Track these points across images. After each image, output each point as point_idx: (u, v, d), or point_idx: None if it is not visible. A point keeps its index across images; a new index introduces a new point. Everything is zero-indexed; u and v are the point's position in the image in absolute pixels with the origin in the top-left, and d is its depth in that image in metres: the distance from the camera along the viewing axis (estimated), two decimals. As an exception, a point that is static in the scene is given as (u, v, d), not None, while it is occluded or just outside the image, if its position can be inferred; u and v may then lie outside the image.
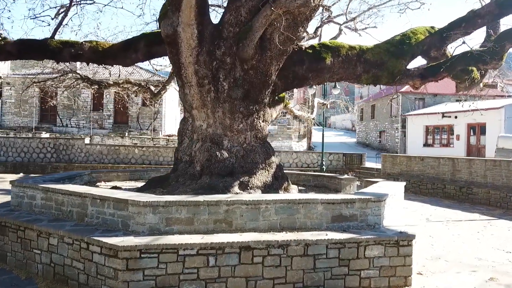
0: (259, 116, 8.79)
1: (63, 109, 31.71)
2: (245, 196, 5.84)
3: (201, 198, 5.65)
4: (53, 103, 29.70)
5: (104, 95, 30.70)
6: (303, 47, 9.75)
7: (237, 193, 7.93)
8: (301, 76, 9.68)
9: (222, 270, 5.18)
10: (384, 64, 10.22)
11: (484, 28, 10.86)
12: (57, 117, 31.93)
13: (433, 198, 15.77)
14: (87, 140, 22.61)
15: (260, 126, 8.81)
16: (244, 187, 8.15)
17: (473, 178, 15.38)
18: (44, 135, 27.25)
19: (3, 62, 20.48)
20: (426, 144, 30.16)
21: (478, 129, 26.38)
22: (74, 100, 31.21)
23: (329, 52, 9.71)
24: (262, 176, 8.49)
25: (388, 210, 6.91)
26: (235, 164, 8.54)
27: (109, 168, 20.21)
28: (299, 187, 11.94)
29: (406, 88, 33.49)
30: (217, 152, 8.40)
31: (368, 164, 22.88)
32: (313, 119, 19.58)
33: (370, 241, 5.63)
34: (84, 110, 31.51)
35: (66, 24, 12.66)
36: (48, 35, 9.97)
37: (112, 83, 13.80)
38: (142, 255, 4.94)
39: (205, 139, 8.65)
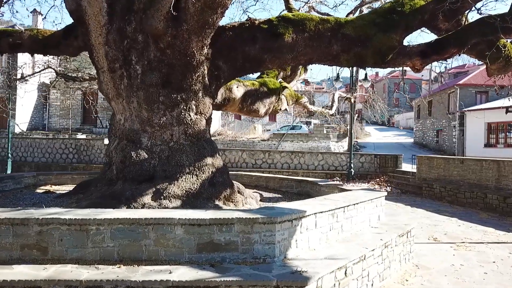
0: (189, 108, 7.09)
1: (102, 111, 32.16)
2: (67, 214, 4.20)
3: (2, 214, 4.12)
4: (93, 106, 30.28)
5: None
6: (256, 22, 7.87)
7: (144, 204, 6.36)
8: (253, 57, 7.81)
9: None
10: (369, 40, 8.00)
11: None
12: (97, 118, 32.50)
13: (469, 210, 12.79)
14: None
15: (191, 119, 7.12)
16: (157, 196, 6.53)
17: (523, 185, 12.20)
18: (80, 136, 27.65)
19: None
20: (487, 144, 25.98)
21: (551, 126, 22.02)
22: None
23: (289, 27, 7.73)
24: (187, 183, 6.79)
25: (310, 234, 4.87)
26: (157, 167, 6.95)
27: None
28: (277, 195, 10.00)
29: (466, 80, 29.52)
30: (133, 152, 6.86)
31: (405, 166, 19.90)
32: (332, 115, 17.24)
33: (233, 285, 3.71)
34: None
35: (44, 18, 11.93)
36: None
37: (88, 78, 12.93)
38: None
39: (122, 136, 7.16)
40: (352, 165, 19.06)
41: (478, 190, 13.42)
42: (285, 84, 15.09)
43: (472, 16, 8.01)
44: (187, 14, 6.25)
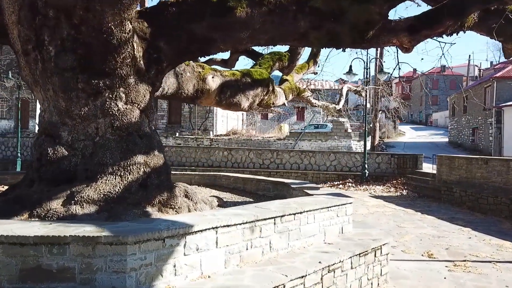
0: (117, 96, 6.02)
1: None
2: None
3: None
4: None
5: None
6: (204, -5, 6.67)
7: (49, 211, 5.34)
8: (201, 37, 6.62)
9: None
10: (343, 14, 6.62)
11: None
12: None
13: (491, 218, 10.94)
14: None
15: (119, 110, 6.04)
16: (69, 201, 5.48)
17: (557, 190, 10.25)
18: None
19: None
20: (528, 143, 23.38)
21: None
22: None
23: (243, 0, 6.49)
24: (107, 185, 5.71)
25: (205, 256, 3.63)
26: (79, 166, 5.91)
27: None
28: (249, 198, 8.75)
29: (504, 72, 26.87)
30: (49, 149, 5.86)
31: (427, 167, 17.97)
32: (339, 110, 15.72)
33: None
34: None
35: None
36: None
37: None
38: None
39: (41, 130, 6.20)
40: (366, 166, 17.42)
41: (504, 195, 11.51)
42: (286, 77, 13.86)
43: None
44: (97, -18, 5.17)
